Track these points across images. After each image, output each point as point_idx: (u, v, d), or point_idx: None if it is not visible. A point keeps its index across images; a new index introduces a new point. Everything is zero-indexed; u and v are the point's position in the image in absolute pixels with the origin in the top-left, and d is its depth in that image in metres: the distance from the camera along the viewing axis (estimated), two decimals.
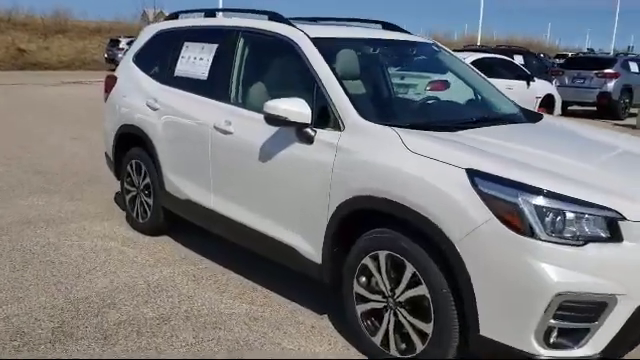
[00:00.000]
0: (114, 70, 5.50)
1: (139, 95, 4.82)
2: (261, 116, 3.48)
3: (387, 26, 4.48)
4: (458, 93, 4.26)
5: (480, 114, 3.89)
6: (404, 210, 2.77)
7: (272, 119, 3.31)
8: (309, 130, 3.30)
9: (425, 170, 2.73)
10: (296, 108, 3.24)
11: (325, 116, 3.32)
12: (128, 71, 5.13)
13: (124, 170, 5.11)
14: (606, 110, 15.59)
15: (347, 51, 3.61)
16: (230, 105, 3.97)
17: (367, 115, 3.19)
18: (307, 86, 3.50)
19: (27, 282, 3.92)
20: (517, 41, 51.31)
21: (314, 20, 4.57)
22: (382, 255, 2.93)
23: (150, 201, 4.83)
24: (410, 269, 2.80)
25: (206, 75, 4.23)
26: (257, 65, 4.04)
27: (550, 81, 15.11)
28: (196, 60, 4.38)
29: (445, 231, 2.60)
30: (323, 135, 3.27)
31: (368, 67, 4.05)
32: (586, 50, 67.05)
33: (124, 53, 25.59)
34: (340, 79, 3.36)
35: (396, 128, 3.04)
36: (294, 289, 3.86)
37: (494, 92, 4.18)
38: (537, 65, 18.00)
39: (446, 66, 4.41)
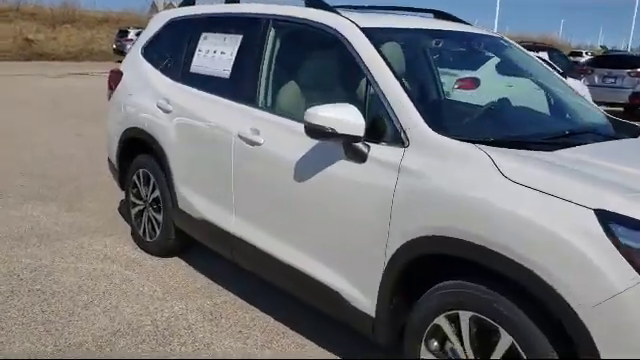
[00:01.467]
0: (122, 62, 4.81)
1: (148, 94, 4.13)
2: (296, 124, 2.82)
3: (440, 15, 3.75)
4: (528, 97, 3.53)
5: (568, 126, 3.16)
6: (501, 261, 2.06)
7: (315, 130, 2.60)
8: (361, 145, 2.59)
9: (533, 208, 2.02)
10: (346, 117, 2.54)
11: (381, 127, 2.61)
12: (136, 65, 4.43)
13: (130, 180, 4.42)
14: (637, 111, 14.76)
15: (406, 46, 2.90)
16: (258, 110, 3.26)
17: (439, 126, 2.48)
18: (357, 88, 2.81)
19: (11, 320, 3.24)
20: (532, 38, 50.34)
21: (352, 8, 3.86)
22: (464, 316, 2.22)
23: (159, 217, 4.14)
24: (506, 339, 2.09)
25: (229, 72, 3.53)
26: (292, 62, 3.33)
27: (579, 80, 14.30)
28: (216, 54, 3.68)
29: (565, 296, 1.89)
30: (379, 152, 2.56)
31: (432, 65, 3.33)
32: (599, 47, 65.92)
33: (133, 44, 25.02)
34: (401, 80, 2.65)
35: (481, 145, 2.33)
36: (332, 334, 3.16)
37: (576, 97, 3.46)
38: (565, 63, 17.16)
39: (516, 64, 3.67)
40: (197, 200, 3.70)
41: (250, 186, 3.25)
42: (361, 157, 2.59)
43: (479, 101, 3.52)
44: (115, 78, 4.60)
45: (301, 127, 2.73)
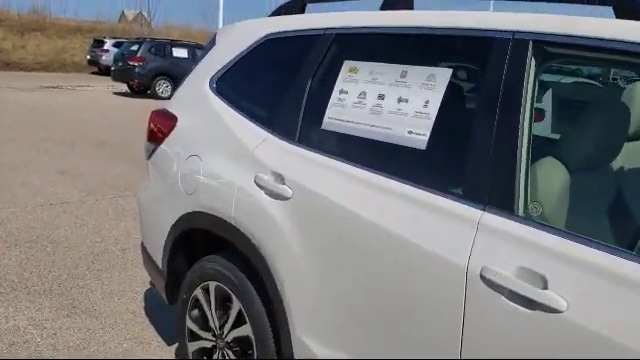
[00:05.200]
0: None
1: (234, 159, 2.40)
2: None
3: None
4: None
5: None
6: None
7: None
8: None
9: None
10: None
11: None
12: (203, 108, 2.67)
13: (187, 293, 2.67)
14: None
15: None
16: (532, 228, 1.58)
17: None
18: None
19: None
20: None
21: None
22: None
23: None
24: None
25: (425, 140, 1.84)
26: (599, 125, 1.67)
27: None
28: (385, 102, 1.99)
29: None
30: None
31: None
32: None
33: (113, 56, 22.32)
34: None
35: None
36: None
37: None
38: None
39: None
40: None
41: None
42: None
43: None
44: (163, 124, 2.85)
45: None
